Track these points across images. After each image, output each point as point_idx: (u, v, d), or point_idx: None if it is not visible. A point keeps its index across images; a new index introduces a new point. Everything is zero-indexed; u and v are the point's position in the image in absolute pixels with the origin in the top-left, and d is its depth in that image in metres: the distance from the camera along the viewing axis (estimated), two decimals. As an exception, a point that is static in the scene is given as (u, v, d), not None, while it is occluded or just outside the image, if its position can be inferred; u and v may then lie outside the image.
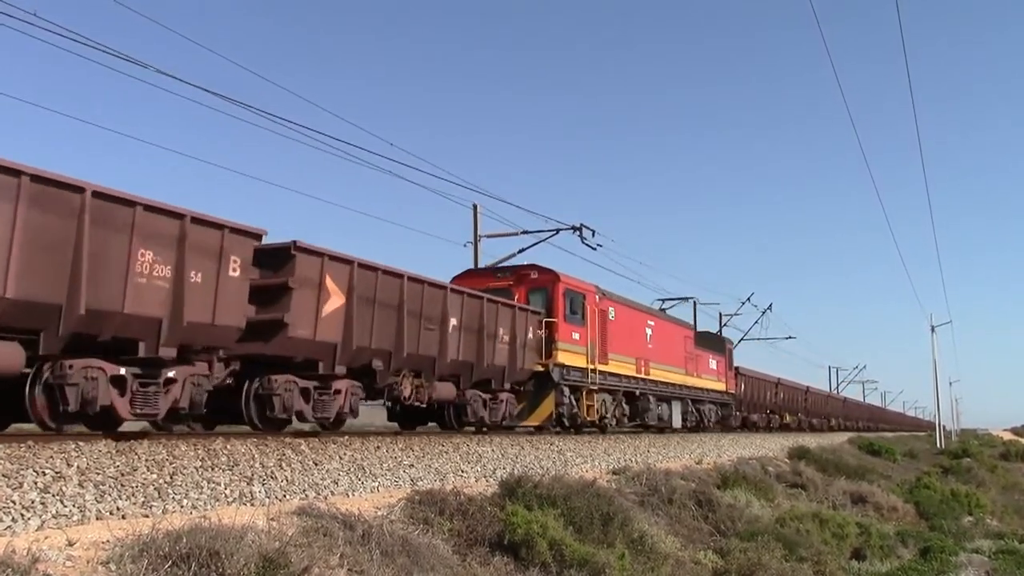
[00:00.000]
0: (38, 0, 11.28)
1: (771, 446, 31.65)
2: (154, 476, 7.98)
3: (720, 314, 49.95)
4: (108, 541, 6.34)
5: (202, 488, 8.17)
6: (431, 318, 14.64)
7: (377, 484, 10.44)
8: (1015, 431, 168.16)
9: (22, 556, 5.65)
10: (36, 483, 6.98)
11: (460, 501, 10.06)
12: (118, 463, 7.97)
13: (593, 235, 26.53)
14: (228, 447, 9.77)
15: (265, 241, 11.22)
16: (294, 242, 11.63)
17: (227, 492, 8.36)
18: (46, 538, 6.18)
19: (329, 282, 12.19)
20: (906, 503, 24.64)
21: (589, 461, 16.54)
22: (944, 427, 76.28)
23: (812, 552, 14.33)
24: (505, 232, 26.81)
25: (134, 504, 7.33)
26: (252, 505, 8.34)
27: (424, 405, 15.03)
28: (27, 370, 8.89)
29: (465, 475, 12.29)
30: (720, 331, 49.18)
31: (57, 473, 7.28)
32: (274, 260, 11.60)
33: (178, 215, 9.72)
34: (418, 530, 9.04)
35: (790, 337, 68.08)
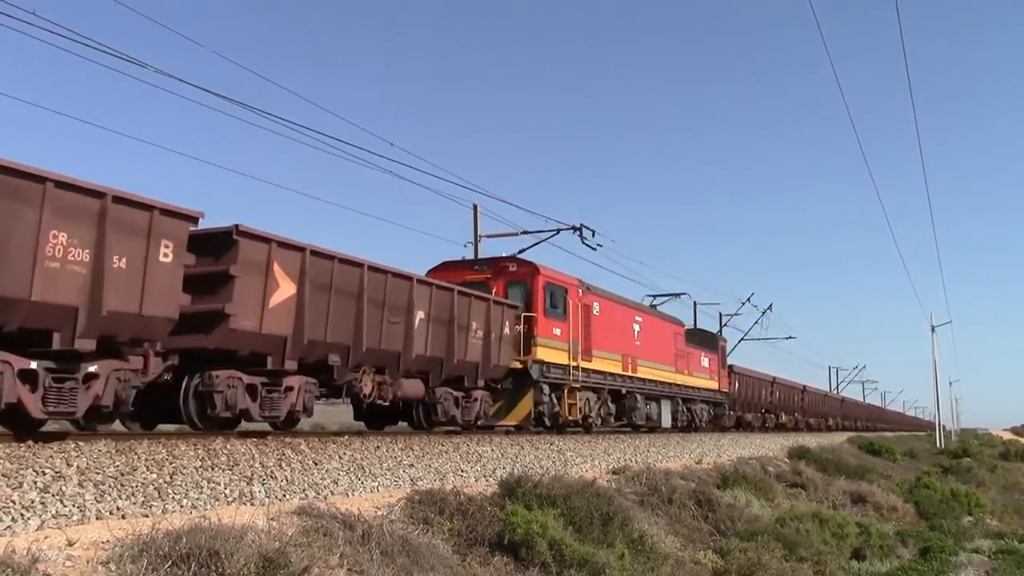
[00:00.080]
0: (37, -1, 11.23)
1: (771, 446, 31.65)
2: (154, 476, 7.98)
3: (720, 314, 49.93)
4: (108, 541, 6.34)
5: (202, 488, 8.17)
6: (395, 311, 13.70)
7: (377, 484, 10.44)
8: (1015, 431, 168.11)
9: (22, 556, 5.65)
10: (36, 483, 6.98)
11: (460, 501, 10.06)
12: (118, 463, 7.97)
13: (593, 235, 26.50)
14: (228, 447, 9.77)
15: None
16: (236, 226, 10.72)
17: (227, 492, 8.36)
18: (46, 538, 6.18)
19: (277, 270, 11.32)
20: (906, 503, 24.65)
21: (589, 461, 16.55)
22: (944, 427, 76.32)
23: (812, 552, 14.34)
24: (505, 232, 26.81)
25: (134, 504, 7.33)
26: (252, 505, 8.34)
27: (387, 403, 14.12)
28: None
29: (465, 475, 12.29)
30: (720, 331, 49.19)
31: (57, 473, 7.28)
32: (214, 246, 10.71)
33: (98, 193, 8.86)
34: (418, 530, 9.05)
35: (790, 337, 68.08)
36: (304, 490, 9.28)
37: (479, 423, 17.25)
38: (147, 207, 9.33)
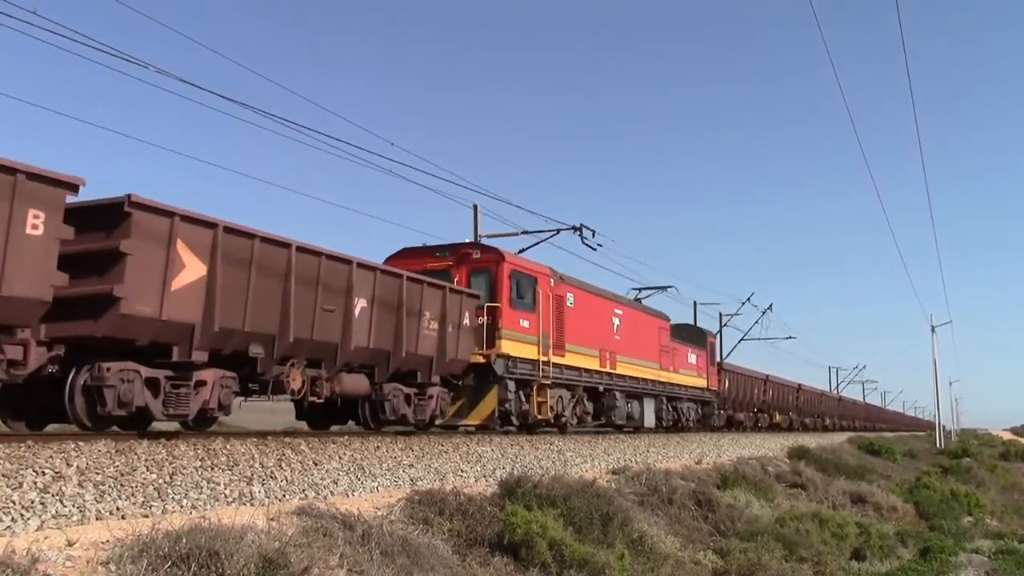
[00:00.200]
0: (37, -1, 11.21)
1: (770, 446, 31.66)
2: (154, 476, 7.98)
3: (720, 314, 49.85)
4: (108, 541, 6.34)
5: (202, 488, 8.17)
6: (332, 297, 12.41)
7: (377, 484, 10.44)
8: (1015, 431, 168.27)
9: (22, 556, 5.65)
10: (36, 483, 6.98)
11: (460, 501, 10.07)
12: (118, 463, 7.97)
13: (593, 235, 26.46)
14: (228, 447, 9.78)
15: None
16: (128, 196, 9.35)
17: (227, 492, 8.36)
18: (46, 538, 6.18)
19: (182, 248, 9.99)
20: (906, 503, 24.65)
21: (589, 461, 16.55)
22: (944, 427, 76.28)
23: (812, 552, 14.34)
24: (505, 232, 26.78)
25: (134, 504, 7.33)
26: (252, 505, 8.34)
27: (322, 400, 12.80)
28: None
29: (465, 475, 12.29)
30: (720, 331, 49.17)
31: (57, 473, 7.28)
32: (103, 219, 9.41)
33: None
34: (418, 530, 9.05)
35: (790, 337, 67.98)
36: (304, 490, 9.28)
37: (437, 423, 16.20)
38: (9, 170, 8.13)
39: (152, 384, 10.12)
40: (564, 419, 19.99)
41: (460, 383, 16.58)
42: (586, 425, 22.41)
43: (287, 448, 10.47)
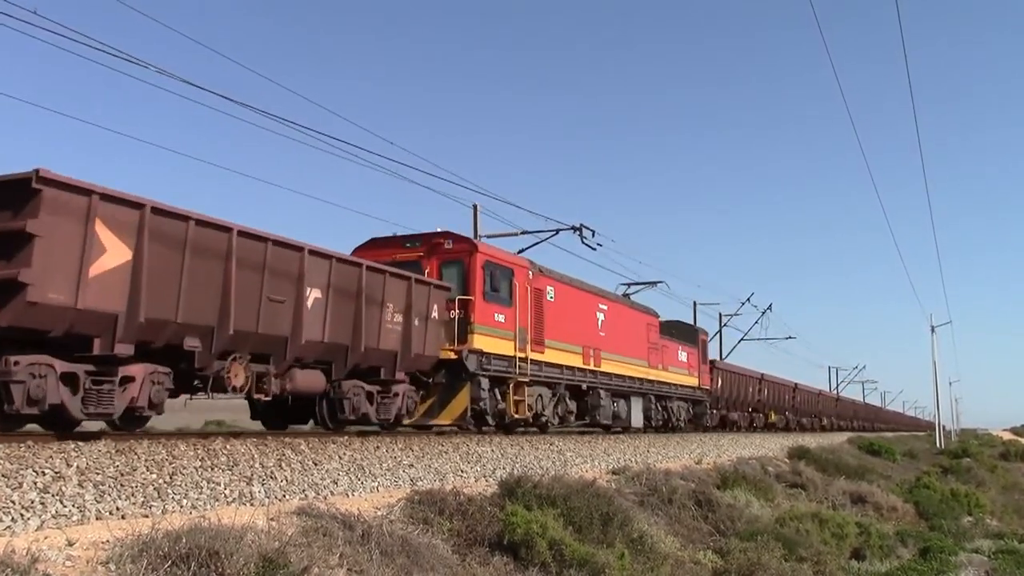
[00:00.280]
0: (37, -1, 11.20)
1: (771, 446, 31.67)
2: (154, 476, 7.98)
3: (720, 314, 49.88)
4: (108, 541, 6.34)
5: (202, 488, 8.18)
6: (280, 287, 11.47)
7: (377, 484, 10.45)
8: (1015, 431, 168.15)
9: (22, 556, 5.65)
10: (36, 483, 6.98)
11: (460, 501, 10.07)
12: (118, 463, 7.98)
13: (593, 235, 26.46)
14: (228, 447, 9.78)
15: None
16: (36, 171, 8.43)
17: (227, 492, 8.37)
18: (46, 538, 6.18)
19: (103, 230, 9.04)
20: (906, 503, 24.65)
21: (589, 461, 16.56)
22: (944, 427, 76.23)
23: (812, 552, 14.34)
24: (505, 232, 26.79)
25: (134, 504, 7.34)
26: (252, 505, 8.35)
27: (268, 398, 11.89)
28: None
29: (465, 475, 12.29)
30: (720, 331, 49.19)
31: (57, 473, 7.29)
32: (9, 197, 8.56)
33: None
34: (418, 530, 9.05)
35: (790, 337, 67.82)
36: (304, 490, 9.28)
37: (405, 422, 15.41)
38: None
39: (70, 380, 9.18)
40: (544, 419, 19.25)
41: (431, 380, 15.79)
42: (569, 425, 21.56)
43: (287, 448, 10.48)
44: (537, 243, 26.32)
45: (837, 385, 79.96)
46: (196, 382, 11.01)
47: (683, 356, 30.31)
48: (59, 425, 10.15)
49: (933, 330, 62.50)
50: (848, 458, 33.57)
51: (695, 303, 46.39)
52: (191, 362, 10.49)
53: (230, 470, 8.91)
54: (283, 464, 9.70)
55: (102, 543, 6.31)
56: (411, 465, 11.67)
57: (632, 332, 25.13)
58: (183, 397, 11.56)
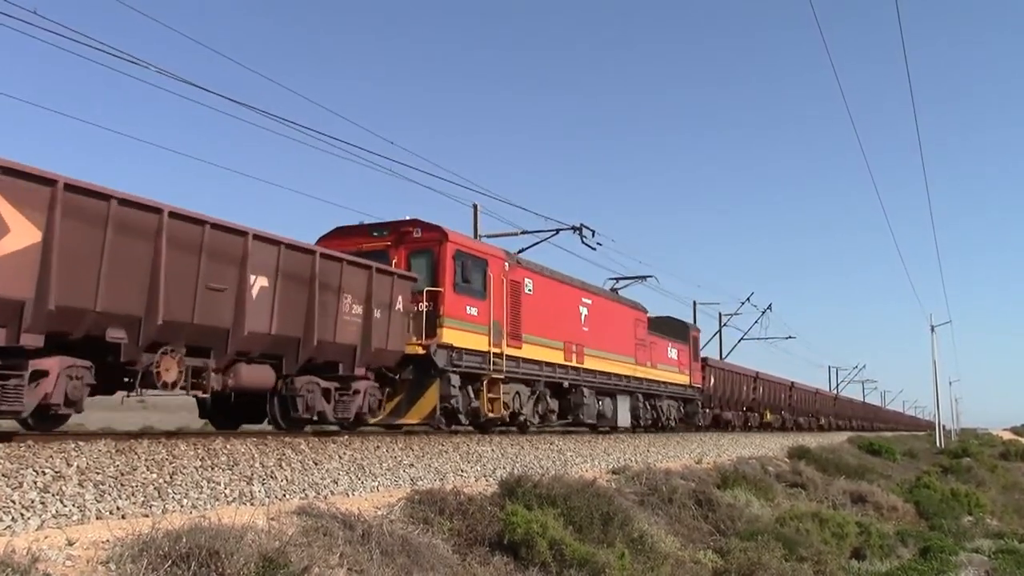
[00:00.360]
0: (37, -1, 11.19)
1: (771, 446, 31.68)
2: (154, 476, 7.98)
3: (720, 314, 49.89)
4: (108, 541, 6.34)
5: (202, 488, 8.18)
6: (220, 274, 10.62)
7: (377, 484, 10.45)
8: (1015, 431, 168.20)
9: (22, 556, 5.65)
10: (36, 483, 6.98)
11: (460, 501, 10.07)
12: (118, 463, 7.98)
13: (593, 235, 26.44)
14: (228, 447, 9.78)
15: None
16: None
17: (227, 492, 8.37)
18: (46, 538, 6.18)
19: (5, 208, 8.33)
20: (906, 503, 24.66)
21: (589, 461, 16.56)
22: (944, 427, 76.19)
23: (812, 552, 14.34)
24: (505, 232, 26.80)
25: (134, 504, 7.34)
26: (252, 505, 8.35)
27: (206, 395, 11.09)
28: None
29: (465, 475, 12.30)
30: (720, 331, 49.21)
31: (57, 473, 7.29)
32: None
33: None
34: (418, 530, 9.05)
35: (790, 337, 67.79)
36: (304, 490, 9.29)
37: (371, 421, 14.70)
38: None
39: None
40: (523, 417, 18.39)
41: (397, 377, 15.00)
42: (550, 424, 20.61)
43: (287, 448, 10.48)
44: (537, 243, 26.29)
45: (837, 385, 79.92)
46: (126, 378, 10.19)
47: (673, 353, 29.34)
48: None
49: (933, 330, 62.52)
50: (848, 458, 33.59)
51: (695, 303, 46.43)
52: (116, 355, 9.66)
53: (230, 470, 8.91)
54: (283, 464, 9.70)
55: (102, 543, 6.31)
56: (411, 465, 11.67)
57: (618, 327, 24.16)
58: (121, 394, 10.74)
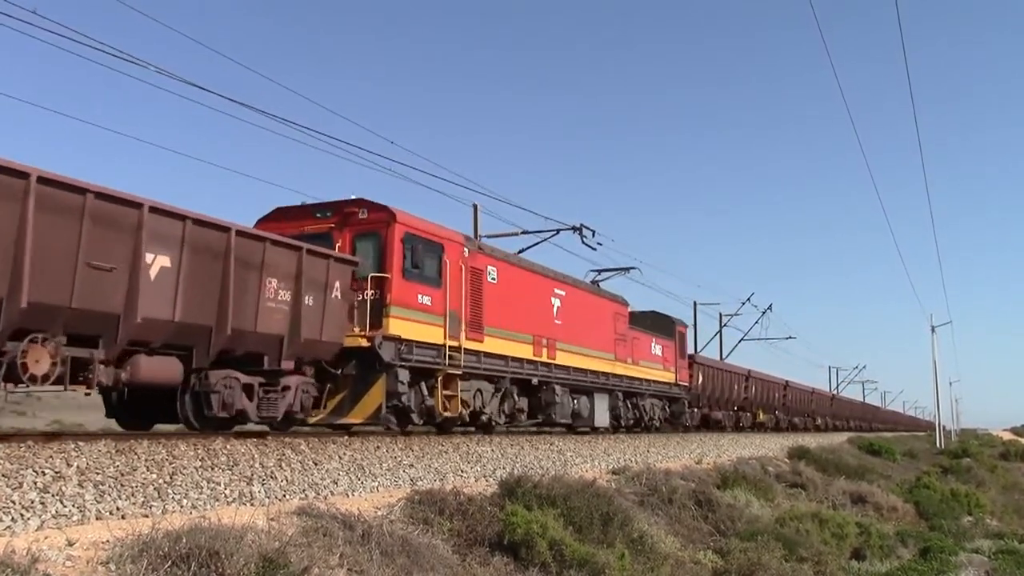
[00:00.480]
0: (37, -2, 11.18)
1: (771, 446, 31.70)
2: (154, 476, 7.98)
3: (720, 314, 49.89)
4: (108, 541, 6.34)
5: (202, 488, 8.18)
6: (108, 252, 9.29)
7: (377, 484, 10.45)
8: (1015, 431, 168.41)
9: (22, 556, 5.66)
10: (36, 483, 6.98)
11: (460, 501, 10.07)
12: (118, 463, 7.98)
13: (593, 235, 26.48)
14: (228, 447, 9.78)
15: None
16: None
17: (227, 492, 8.37)
18: (46, 538, 6.18)
19: None
20: (906, 503, 24.68)
21: (589, 461, 16.56)
22: (944, 427, 76.21)
23: (812, 552, 14.35)
24: (505, 232, 26.82)
25: (134, 504, 7.34)
26: (252, 505, 8.35)
27: (91, 391, 9.92)
28: None
29: (465, 475, 12.30)
30: (720, 331, 49.22)
31: (57, 473, 7.29)
32: None
33: None
34: (418, 530, 9.05)
35: (790, 337, 67.69)
36: (304, 490, 9.29)
37: (311, 421, 13.57)
38: None
39: None
40: (486, 416, 17.01)
41: (340, 372, 13.66)
42: (519, 425, 19.21)
43: (287, 448, 10.48)
44: (537, 243, 26.33)
45: (837, 385, 79.86)
46: None
47: (657, 349, 27.75)
48: None
49: (933, 330, 62.53)
50: (848, 458, 33.60)
51: (695, 303, 46.48)
52: None
53: (230, 470, 8.91)
54: (283, 464, 9.70)
55: (102, 543, 6.31)
56: (411, 465, 11.67)
57: (595, 321, 22.67)
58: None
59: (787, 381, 50.15)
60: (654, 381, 27.01)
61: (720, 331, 49.19)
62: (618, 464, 17.06)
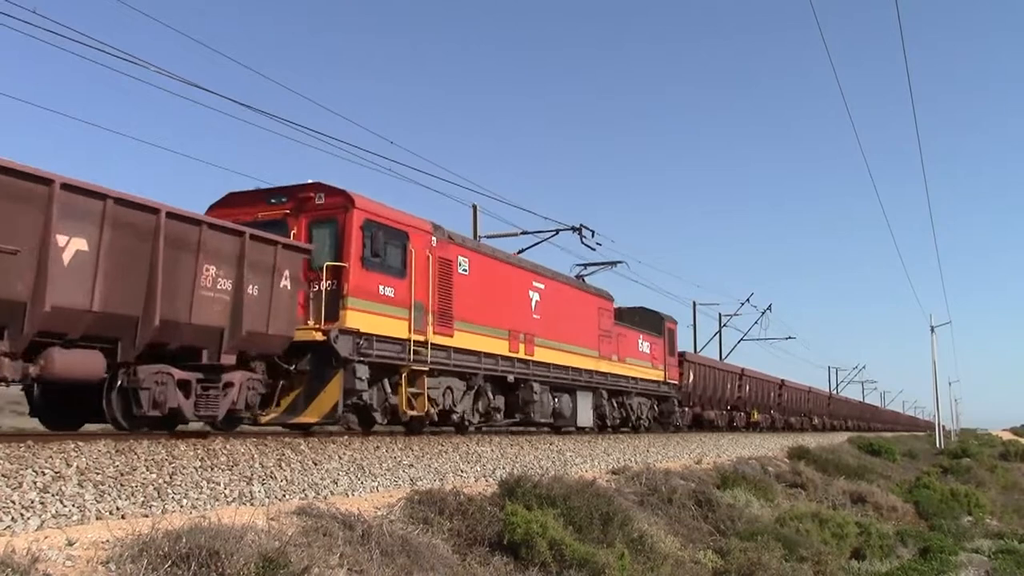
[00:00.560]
0: (37, -2, 11.19)
1: (770, 446, 31.72)
2: (153, 476, 7.98)
3: (720, 314, 49.91)
4: (108, 541, 6.34)
5: (201, 488, 8.18)
6: (11, 233, 8.45)
7: (377, 484, 10.45)
8: (1015, 431, 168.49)
9: (22, 556, 5.66)
10: (36, 483, 6.98)
11: (460, 501, 10.08)
12: (117, 463, 7.98)
13: (592, 235, 26.49)
14: (228, 447, 9.78)
15: None
16: None
17: (227, 492, 8.37)
18: (46, 538, 6.18)
19: None
20: (906, 503, 24.72)
21: (589, 461, 16.57)
22: (943, 427, 76.18)
23: (812, 552, 14.37)
24: (505, 232, 26.83)
25: (134, 504, 7.34)
26: (252, 505, 8.35)
27: (6, 385, 9.28)
28: None
29: (464, 475, 12.30)
30: (720, 331, 49.25)
31: (57, 473, 7.29)
32: None
33: None
34: (418, 530, 9.05)
35: (789, 337, 67.64)
36: (304, 490, 9.29)
37: (262, 420, 12.79)
38: None
39: None
40: (457, 415, 16.08)
41: (294, 368, 12.75)
42: (495, 424, 18.25)
43: (287, 448, 10.48)
44: (537, 243, 26.33)
45: (837, 385, 79.82)
46: None
47: (645, 346, 26.70)
48: None
49: (933, 330, 62.51)
50: (848, 458, 33.63)
51: (695, 303, 46.50)
52: None
53: (230, 470, 8.91)
54: (283, 464, 9.71)
55: (102, 543, 6.31)
56: (411, 465, 11.67)
57: (578, 316, 21.69)
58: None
59: (783, 380, 49.27)
60: (642, 379, 26.11)
61: (720, 331, 49.25)
62: (618, 464, 17.08)
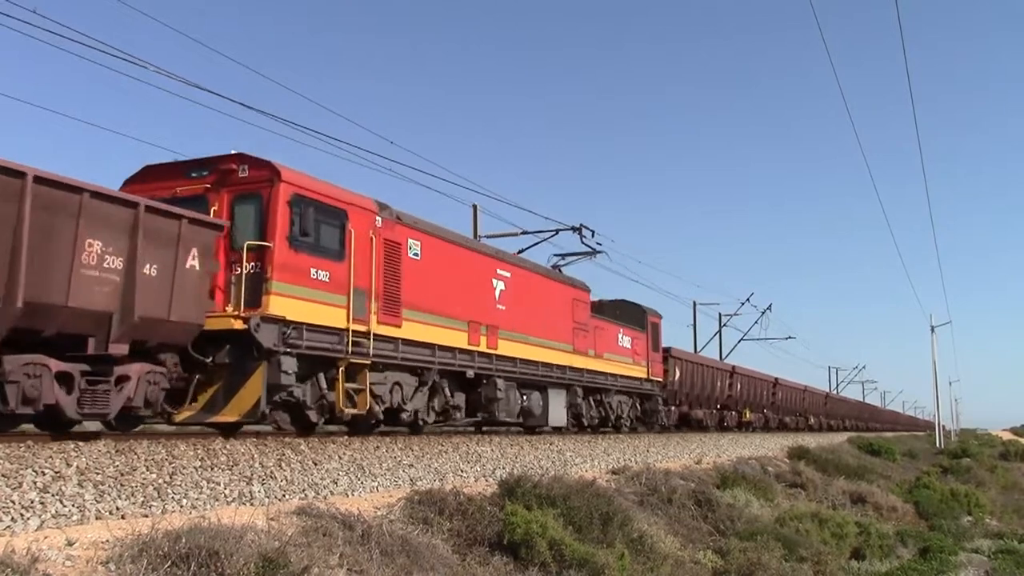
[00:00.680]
0: (36, -2, 11.21)
1: (770, 446, 31.74)
2: (153, 476, 7.99)
3: (720, 314, 49.91)
4: (108, 541, 6.35)
5: (201, 488, 8.18)
6: None
7: (377, 484, 10.45)
8: (1015, 431, 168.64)
9: (22, 556, 5.66)
10: (35, 483, 6.98)
11: (459, 501, 10.08)
12: (117, 463, 7.98)
13: (593, 235, 26.50)
14: (228, 447, 9.78)
15: None
16: None
17: (226, 492, 8.37)
18: (46, 538, 6.19)
19: None
20: (905, 503, 24.73)
21: (589, 461, 16.57)
22: (943, 427, 76.21)
23: (812, 552, 14.38)
24: (505, 232, 26.83)
25: (133, 504, 7.34)
26: (252, 505, 8.35)
27: None
28: None
29: (464, 475, 12.30)
30: (720, 331, 49.24)
31: (56, 473, 7.29)
32: None
33: None
34: (418, 530, 9.06)
35: (790, 337, 67.61)
36: (304, 490, 9.29)
37: (177, 419, 11.48)
38: None
39: None
40: (408, 414, 14.68)
41: (211, 360, 11.33)
42: (455, 423, 16.91)
43: (287, 448, 10.48)
44: (537, 243, 26.31)
45: (837, 385, 79.77)
46: None
47: (626, 342, 25.01)
48: None
49: (933, 330, 62.56)
50: (848, 458, 33.64)
51: (695, 303, 46.51)
52: None
53: (230, 470, 8.91)
54: (283, 464, 9.71)
55: (102, 543, 6.31)
56: (411, 465, 11.67)
57: (549, 307, 20.07)
58: None
59: (776, 378, 47.64)
60: (622, 376, 24.38)
61: (720, 331, 49.26)
62: (618, 464, 17.08)
